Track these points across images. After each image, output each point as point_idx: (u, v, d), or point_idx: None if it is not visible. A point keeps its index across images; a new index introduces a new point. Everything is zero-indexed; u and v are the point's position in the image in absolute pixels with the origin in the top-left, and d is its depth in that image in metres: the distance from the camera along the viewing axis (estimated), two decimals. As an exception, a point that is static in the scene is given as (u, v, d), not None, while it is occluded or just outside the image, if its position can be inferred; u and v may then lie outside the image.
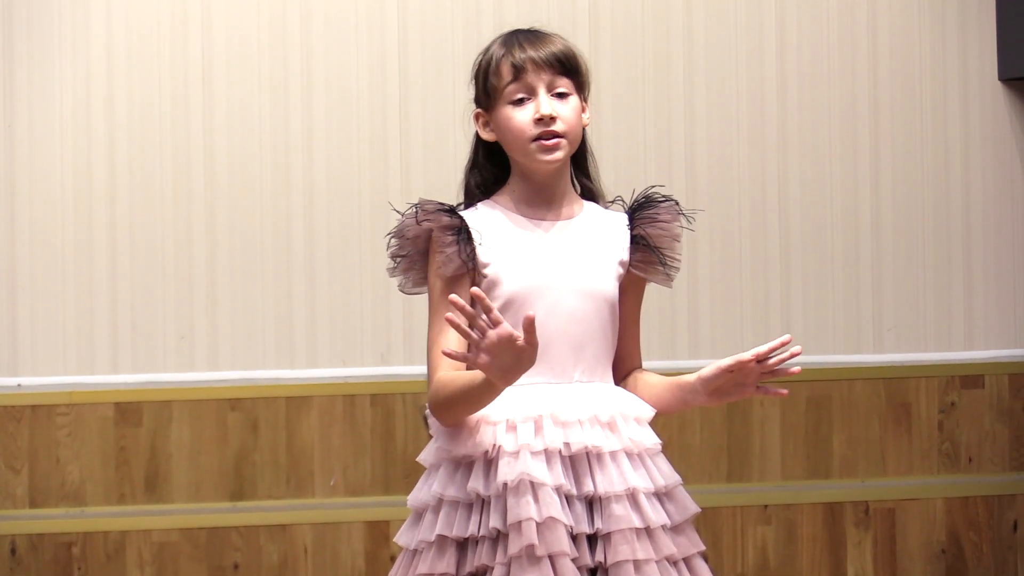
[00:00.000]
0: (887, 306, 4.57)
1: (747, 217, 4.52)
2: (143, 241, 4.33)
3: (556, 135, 2.78)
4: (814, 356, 4.50)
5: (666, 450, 2.78)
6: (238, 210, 4.36)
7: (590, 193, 2.91)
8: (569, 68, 2.81)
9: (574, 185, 2.90)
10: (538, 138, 2.78)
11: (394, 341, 4.37)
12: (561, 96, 2.80)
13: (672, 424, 4.33)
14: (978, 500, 4.58)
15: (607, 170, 2.97)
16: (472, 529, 2.69)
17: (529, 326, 2.56)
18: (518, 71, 2.79)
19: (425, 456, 2.78)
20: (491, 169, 2.88)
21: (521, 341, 2.56)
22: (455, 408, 2.72)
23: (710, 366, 2.74)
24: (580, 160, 2.91)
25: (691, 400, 2.79)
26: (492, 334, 2.57)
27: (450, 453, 2.74)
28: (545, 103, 2.78)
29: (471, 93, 2.87)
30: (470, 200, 2.89)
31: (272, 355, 4.36)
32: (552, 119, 2.77)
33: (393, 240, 2.83)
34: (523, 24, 2.96)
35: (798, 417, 4.50)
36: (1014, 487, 4.59)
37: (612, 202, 2.90)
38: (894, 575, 4.54)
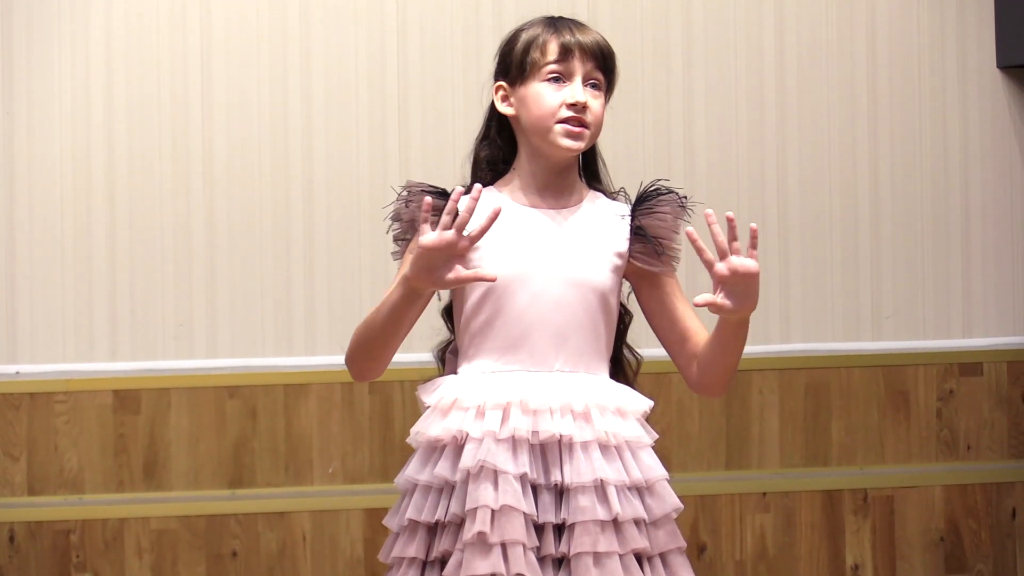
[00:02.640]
0: (886, 293, 4.57)
1: (746, 205, 4.52)
2: (142, 229, 4.33)
3: (584, 124, 2.78)
4: (813, 343, 4.50)
5: (666, 438, 2.78)
6: (237, 198, 4.36)
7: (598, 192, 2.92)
8: (607, 65, 2.82)
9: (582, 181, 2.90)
10: (565, 121, 2.78)
11: (393, 328, 4.36)
12: (595, 87, 2.81)
13: (671, 411, 4.33)
14: (976, 488, 4.58)
15: (606, 160, 2.96)
16: (439, 514, 2.70)
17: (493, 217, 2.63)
18: (566, 52, 2.79)
19: (411, 437, 2.80)
20: (502, 146, 2.88)
21: (461, 245, 2.61)
22: (371, 329, 2.75)
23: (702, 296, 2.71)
24: (590, 162, 2.91)
25: (725, 326, 2.73)
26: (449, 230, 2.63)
27: (424, 436, 2.75)
28: (580, 91, 2.78)
29: (493, 67, 2.87)
30: (476, 171, 2.89)
31: (271, 342, 4.35)
32: (584, 107, 2.78)
33: (394, 224, 2.84)
34: (523, 13, 2.96)
35: (797, 404, 4.50)
36: (1012, 475, 4.59)
37: (617, 193, 2.90)
38: (892, 562, 4.54)
